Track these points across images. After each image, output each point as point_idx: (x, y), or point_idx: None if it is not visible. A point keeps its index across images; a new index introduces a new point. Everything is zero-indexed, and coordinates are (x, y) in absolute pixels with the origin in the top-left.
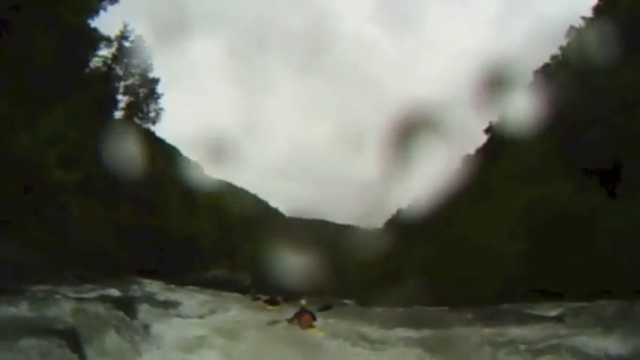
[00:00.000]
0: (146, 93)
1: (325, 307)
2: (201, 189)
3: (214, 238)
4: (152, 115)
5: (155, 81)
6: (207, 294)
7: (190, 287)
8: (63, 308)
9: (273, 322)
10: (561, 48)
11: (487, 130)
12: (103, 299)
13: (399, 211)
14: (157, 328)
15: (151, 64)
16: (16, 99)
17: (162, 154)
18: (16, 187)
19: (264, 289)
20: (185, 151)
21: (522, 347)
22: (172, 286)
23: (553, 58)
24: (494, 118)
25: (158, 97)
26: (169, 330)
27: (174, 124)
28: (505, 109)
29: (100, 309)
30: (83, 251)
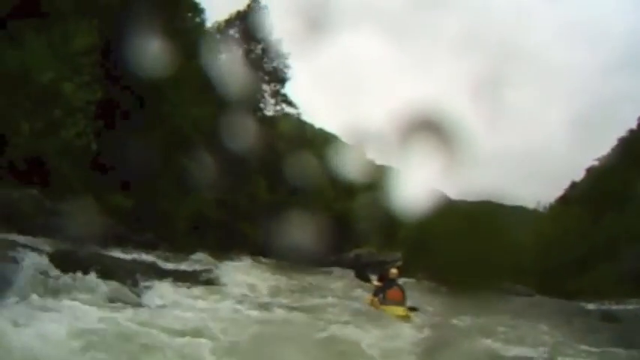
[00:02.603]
0: (269, 50)
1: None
2: (360, 172)
3: (371, 218)
4: (280, 74)
5: (278, 41)
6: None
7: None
8: None
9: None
10: None
11: None
12: None
13: (574, 185)
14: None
15: (271, 27)
16: None
17: (317, 138)
18: None
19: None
20: (346, 138)
21: None
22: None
23: None
24: None
25: (285, 58)
26: None
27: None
28: None
29: None
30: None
